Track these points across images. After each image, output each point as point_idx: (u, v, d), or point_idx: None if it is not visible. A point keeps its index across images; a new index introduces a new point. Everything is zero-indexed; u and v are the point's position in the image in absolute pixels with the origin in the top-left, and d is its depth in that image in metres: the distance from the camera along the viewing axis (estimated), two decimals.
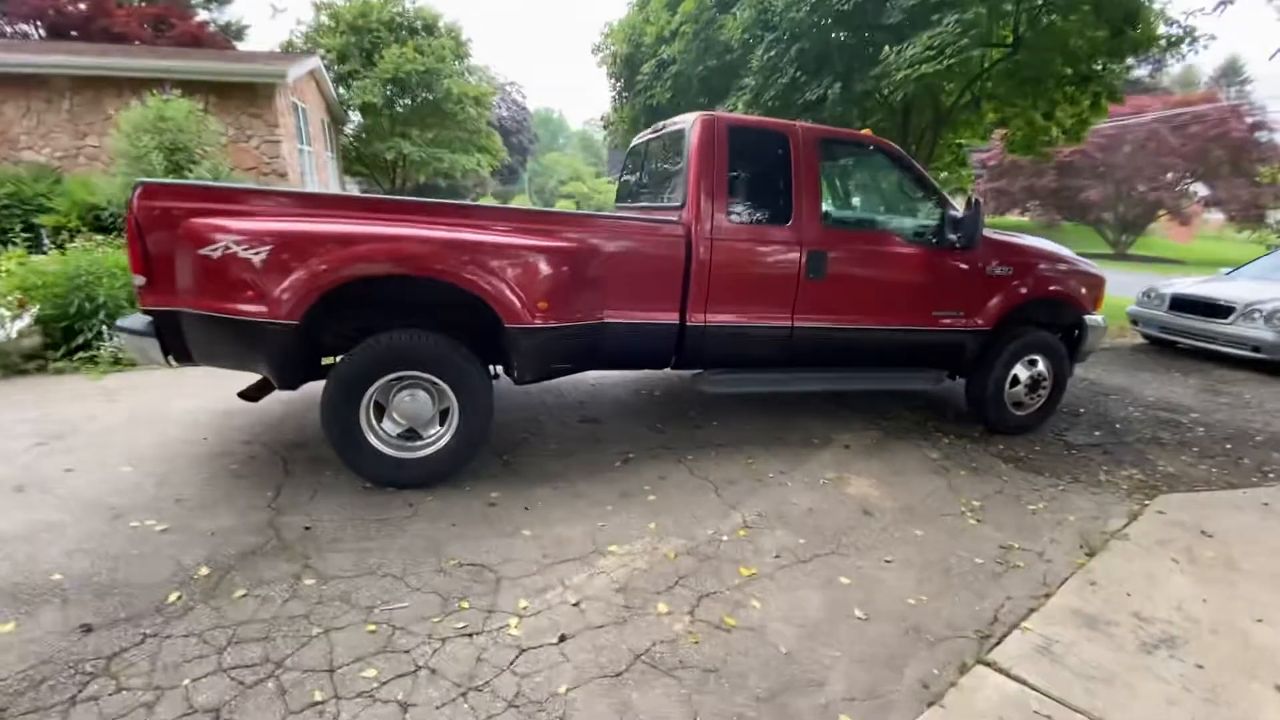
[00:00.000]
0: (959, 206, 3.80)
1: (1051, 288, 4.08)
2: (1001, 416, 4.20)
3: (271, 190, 2.91)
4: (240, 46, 20.24)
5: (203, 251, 2.61)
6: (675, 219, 3.37)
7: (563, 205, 27.26)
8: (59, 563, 2.31)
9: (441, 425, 3.07)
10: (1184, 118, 21.38)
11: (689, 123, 3.44)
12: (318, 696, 1.77)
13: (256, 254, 2.61)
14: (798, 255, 3.47)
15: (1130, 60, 7.78)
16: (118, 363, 4.73)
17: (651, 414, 4.29)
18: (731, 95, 8.21)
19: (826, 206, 3.57)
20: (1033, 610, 2.39)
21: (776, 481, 3.35)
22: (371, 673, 1.87)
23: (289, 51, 16.16)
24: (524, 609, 2.23)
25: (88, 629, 1.97)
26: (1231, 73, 38.64)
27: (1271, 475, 3.84)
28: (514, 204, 27.00)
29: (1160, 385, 5.92)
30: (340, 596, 2.23)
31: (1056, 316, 4.26)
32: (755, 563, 2.60)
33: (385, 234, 2.74)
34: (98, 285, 4.81)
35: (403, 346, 2.86)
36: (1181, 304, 7.24)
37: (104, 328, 4.75)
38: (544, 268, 2.94)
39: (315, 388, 3.01)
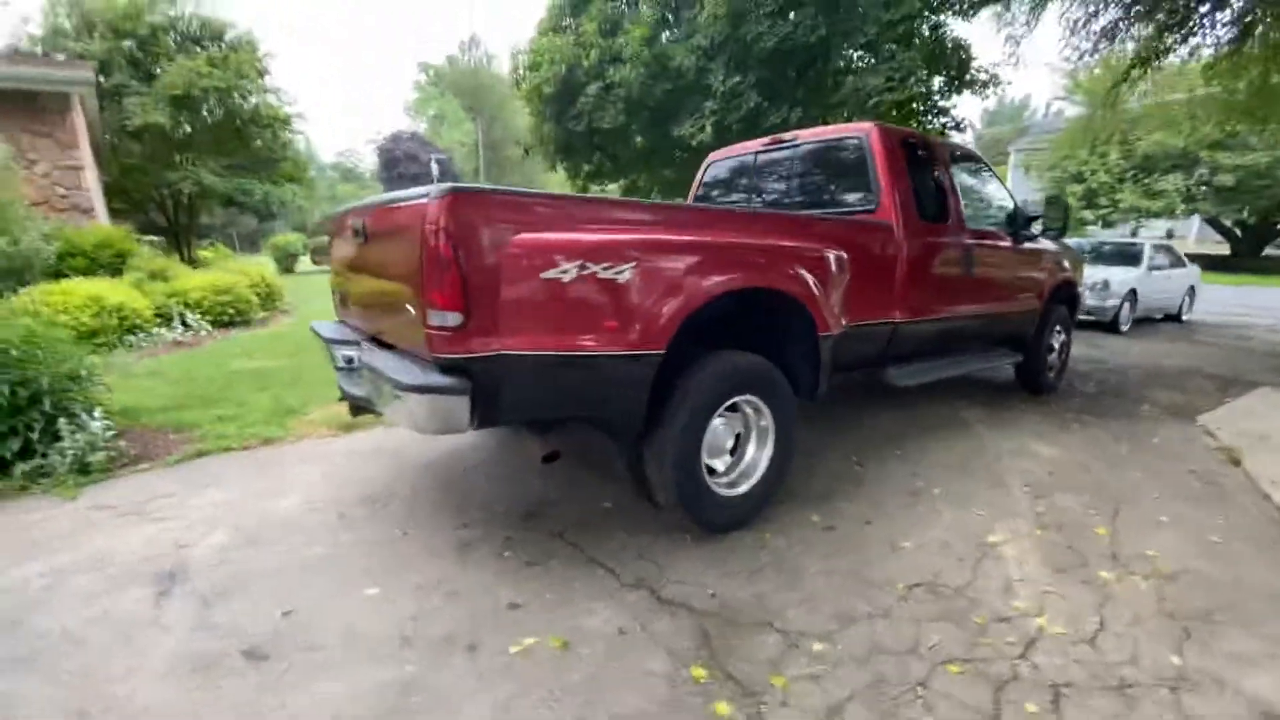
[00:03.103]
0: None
1: (1069, 268, 5.04)
2: (1046, 381, 5.04)
3: (592, 198, 2.37)
4: None
5: (549, 275, 2.05)
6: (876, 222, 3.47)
7: None
8: None
9: (731, 455, 2.76)
10: None
11: (865, 132, 3.58)
12: None
13: (619, 273, 2.13)
14: (960, 252, 3.83)
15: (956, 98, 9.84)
16: (85, 471, 3.26)
17: None
18: (688, 119, 8.45)
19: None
20: None
21: (992, 455, 3.64)
22: (1034, 708, 1.70)
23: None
24: (1030, 610, 2.16)
25: None
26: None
27: (1219, 392, 5.21)
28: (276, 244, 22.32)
29: None
30: (874, 650, 1.93)
31: (1065, 292, 5.24)
32: (1094, 523, 2.82)
33: (750, 245, 2.43)
34: (32, 364, 3.27)
35: (744, 368, 2.54)
36: None
37: (62, 424, 3.24)
38: (837, 273, 2.85)
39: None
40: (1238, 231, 22.54)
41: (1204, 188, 19.54)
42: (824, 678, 1.81)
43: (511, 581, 2.28)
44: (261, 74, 15.02)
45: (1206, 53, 8.72)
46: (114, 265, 7.58)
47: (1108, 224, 22.42)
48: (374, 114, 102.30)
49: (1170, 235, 25.08)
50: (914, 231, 3.50)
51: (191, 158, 13.82)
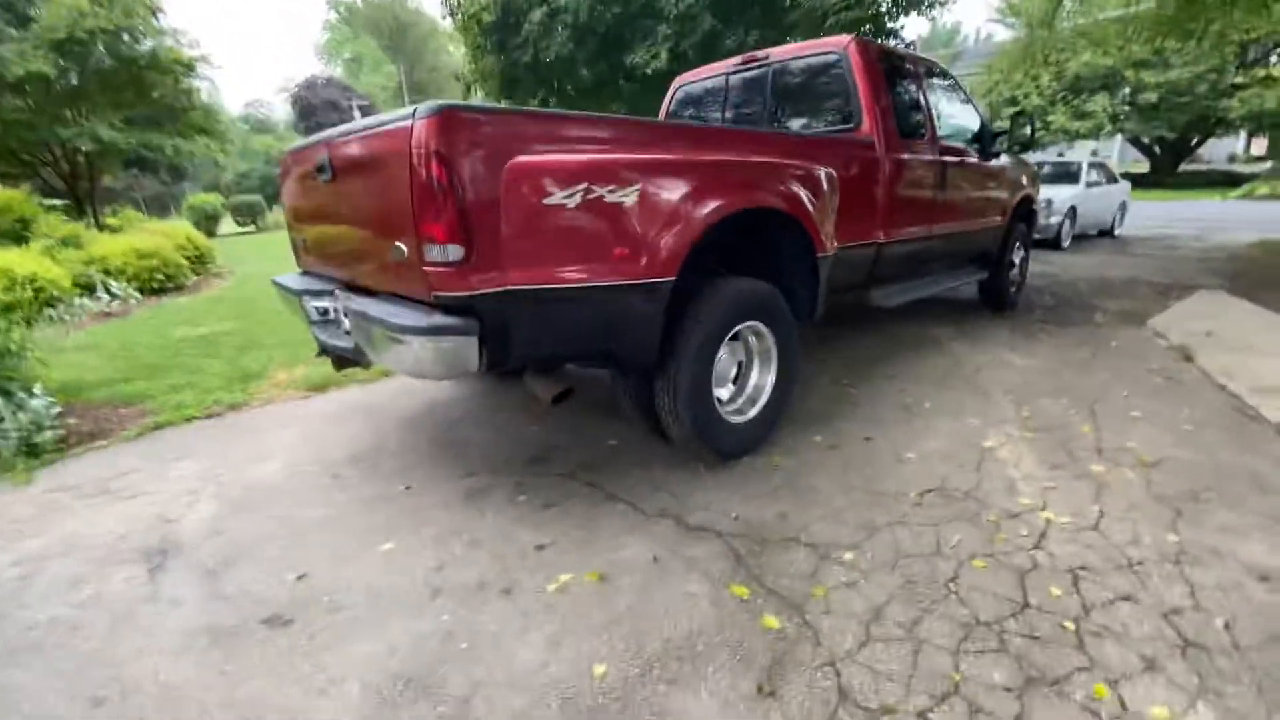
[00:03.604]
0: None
1: (1027, 184, 5.13)
2: (1009, 297, 5.21)
3: (590, 115, 2.18)
4: None
5: (551, 201, 1.91)
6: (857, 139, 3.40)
7: None
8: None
9: (734, 384, 2.75)
10: None
11: (843, 46, 3.46)
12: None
13: (626, 196, 2.01)
14: (936, 170, 3.82)
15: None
16: (34, 453, 2.98)
17: None
18: (640, 44, 7.97)
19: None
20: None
21: (971, 368, 3.76)
22: (1058, 591, 1.80)
23: None
24: (1035, 505, 2.26)
25: None
26: None
27: (1161, 297, 5.52)
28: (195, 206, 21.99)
29: None
30: (900, 554, 1.99)
31: (1024, 208, 5.36)
32: (1076, 422, 2.96)
33: (756, 164, 2.33)
34: None
35: (751, 293, 2.49)
36: None
37: (0, 404, 2.92)
38: (830, 192, 2.79)
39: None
40: (1157, 149, 23.61)
41: (1128, 107, 20.27)
42: (860, 584, 1.86)
43: (533, 524, 2.23)
44: (154, 12, 13.42)
45: None
46: (17, 233, 6.82)
47: (1040, 146, 23.08)
48: (282, 59, 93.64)
49: (1095, 155, 26.14)
50: (895, 149, 3.46)
51: (85, 110, 12.40)
